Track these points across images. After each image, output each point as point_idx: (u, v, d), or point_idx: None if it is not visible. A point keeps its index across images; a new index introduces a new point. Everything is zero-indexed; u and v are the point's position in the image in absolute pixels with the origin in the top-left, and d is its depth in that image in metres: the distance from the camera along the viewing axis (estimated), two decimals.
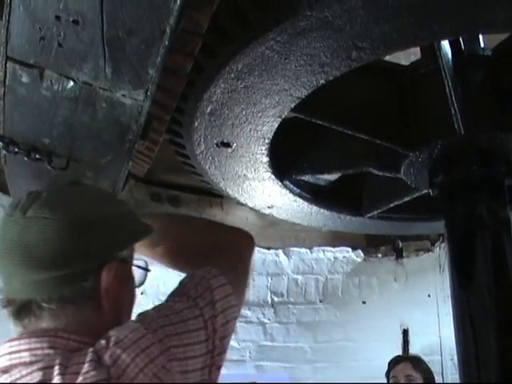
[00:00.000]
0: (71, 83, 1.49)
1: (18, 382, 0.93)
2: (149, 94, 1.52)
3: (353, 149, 2.38)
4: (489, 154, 2.04)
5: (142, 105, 1.57)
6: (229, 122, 1.96)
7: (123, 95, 1.52)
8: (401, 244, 4.36)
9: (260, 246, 4.12)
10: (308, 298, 4.29)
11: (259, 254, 4.14)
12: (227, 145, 2.14)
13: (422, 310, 4.17)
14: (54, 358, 0.94)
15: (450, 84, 1.85)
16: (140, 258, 1.22)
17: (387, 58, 2.00)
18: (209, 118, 1.94)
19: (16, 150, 1.85)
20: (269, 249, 4.17)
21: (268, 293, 4.21)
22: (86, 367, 0.92)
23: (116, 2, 1.22)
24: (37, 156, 1.86)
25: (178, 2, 1.21)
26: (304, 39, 1.51)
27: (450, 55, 1.86)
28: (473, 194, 2.07)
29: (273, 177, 2.43)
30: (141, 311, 1.11)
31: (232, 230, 1.48)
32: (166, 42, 1.33)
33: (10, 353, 0.97)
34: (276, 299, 4.23)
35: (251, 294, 4.10)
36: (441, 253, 4.11)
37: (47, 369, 0.92)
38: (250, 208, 2.95)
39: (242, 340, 4.13)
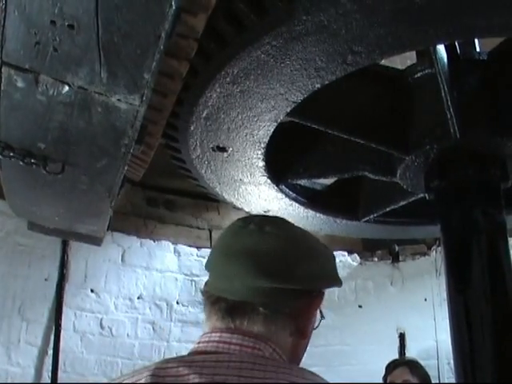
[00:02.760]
0: (66, 88, 1.49)
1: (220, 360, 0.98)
2: (144, 98, 1.52)
3: (348, 153, 2.38)
4: (484, 158, 2.04)
5: (137, 109, 1.57)
6: (225, 127, 1.96)
7: (118, 100, 1.53)
8: (397, 248, 4.35)
9: None
10: None
11: None
12: (223, 149, 2.14)
13: (419, 313, 4.15)
14: (255, 359, 1.00)
15: (445, 88, 1.85)
16: None
17: (383, 62, 2.00)
18: (205, 122, 1.94)
19: (11, 154, 1.85)
20: None
21: None
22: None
23: (111, 7, 1.22)
24: (32, 161, 1.86)
25: (173, 7, 1.21)
26: (299, 43, 1.51)
27: (445, 59, 1.86)
28: (469, 197, 2.07)
29: (269, 181, 2.43)
30: None
31: None
32: (161, 47, 1.34)
33: (219, 342, 1.04)
34: None
35: None
36: (437, 256, 4.09)
37: (245, 364, 0.97)
38: (247, 212, 2.94)
39: None
